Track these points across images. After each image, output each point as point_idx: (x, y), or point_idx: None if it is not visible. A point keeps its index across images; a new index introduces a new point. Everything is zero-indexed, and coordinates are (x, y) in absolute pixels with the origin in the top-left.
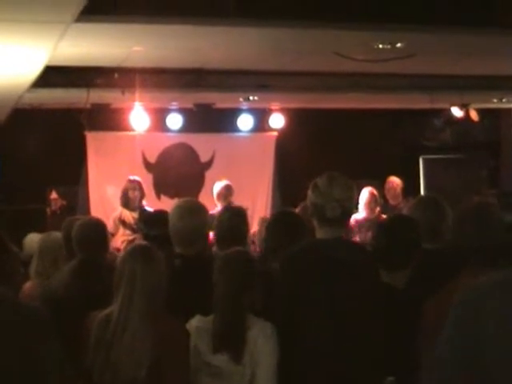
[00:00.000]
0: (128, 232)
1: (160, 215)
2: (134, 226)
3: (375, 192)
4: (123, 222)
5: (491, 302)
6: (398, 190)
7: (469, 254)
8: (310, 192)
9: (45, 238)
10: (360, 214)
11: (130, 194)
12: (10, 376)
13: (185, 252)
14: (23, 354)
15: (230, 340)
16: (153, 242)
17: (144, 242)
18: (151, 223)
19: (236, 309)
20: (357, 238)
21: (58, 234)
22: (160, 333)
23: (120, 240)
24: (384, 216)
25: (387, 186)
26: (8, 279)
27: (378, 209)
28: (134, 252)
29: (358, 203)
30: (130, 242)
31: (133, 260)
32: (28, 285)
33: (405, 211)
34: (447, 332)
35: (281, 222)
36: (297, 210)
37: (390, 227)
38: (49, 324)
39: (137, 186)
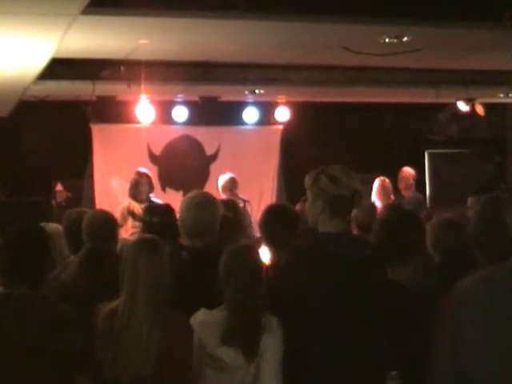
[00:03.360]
0: (137, 224)
1: (163, 206)
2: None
3: (387, 180)
4: (132, 214)
5: (472, 294)
6: (411, 180)
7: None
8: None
9: None
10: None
11: (140, 187)
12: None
13: (193, 244)
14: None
15: (248, 334)
16: (155, 230)
17: (150, 235)
18: (154, 211)
19: (256, 303)
20: None
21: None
22: (163, 328)
23: (130, 232)
24: None
25: (400, 175)
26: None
27: (392, 198)
28: (139, 244)
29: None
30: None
31: (137, 252)
32: None
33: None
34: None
35: (273, 218)
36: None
37: (391, 222)
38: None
39: (146, 180)
